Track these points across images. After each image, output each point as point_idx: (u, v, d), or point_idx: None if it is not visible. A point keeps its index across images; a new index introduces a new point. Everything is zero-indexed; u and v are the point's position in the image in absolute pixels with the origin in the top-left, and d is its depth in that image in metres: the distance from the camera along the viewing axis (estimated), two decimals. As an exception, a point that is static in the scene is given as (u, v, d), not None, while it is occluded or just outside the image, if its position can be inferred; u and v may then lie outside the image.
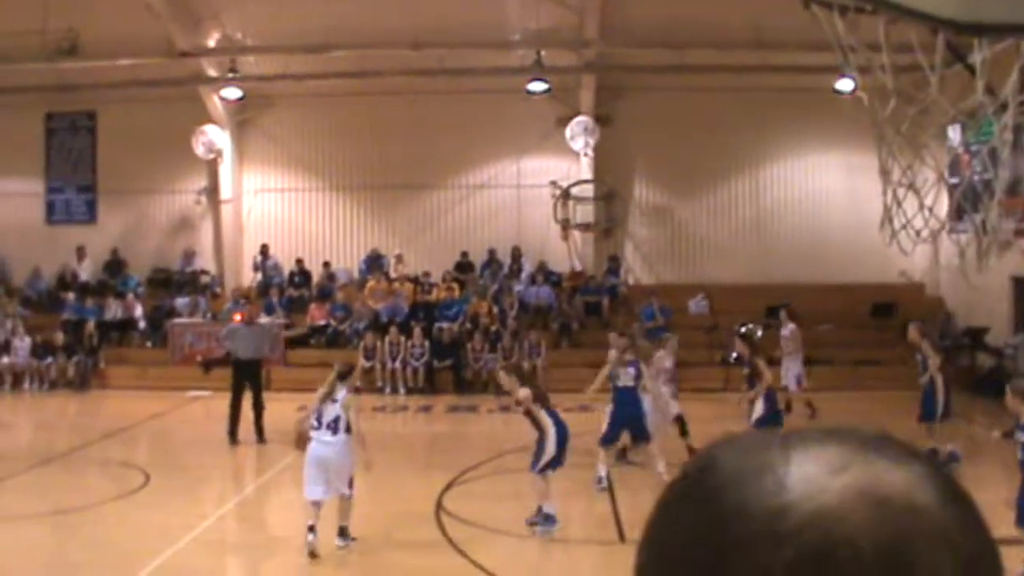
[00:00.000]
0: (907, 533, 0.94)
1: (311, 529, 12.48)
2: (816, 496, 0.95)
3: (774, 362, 21.77)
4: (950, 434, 17.57)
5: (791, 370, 22.94)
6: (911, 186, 12.20)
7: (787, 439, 1.03)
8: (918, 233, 12.75)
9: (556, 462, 13.63)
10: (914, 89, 11.72)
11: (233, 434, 20.35)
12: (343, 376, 13.35)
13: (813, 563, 0.92)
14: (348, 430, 12.95)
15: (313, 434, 12.90)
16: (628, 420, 16.54)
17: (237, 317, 29.24)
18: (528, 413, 13.72)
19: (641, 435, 16.65)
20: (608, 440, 16.73)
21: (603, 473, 16.31)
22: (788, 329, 23.75)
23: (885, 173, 12.36)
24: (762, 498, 0.96)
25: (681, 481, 1.04)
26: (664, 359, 19.01)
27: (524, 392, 13.64)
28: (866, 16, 10.65)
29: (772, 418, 16.11)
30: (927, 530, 0.95)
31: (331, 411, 12.92)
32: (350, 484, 12.90)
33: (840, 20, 11.06)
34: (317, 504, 12.65)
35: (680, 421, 18.45)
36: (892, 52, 10.82)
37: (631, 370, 16.73)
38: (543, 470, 13.60)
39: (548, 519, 13.63)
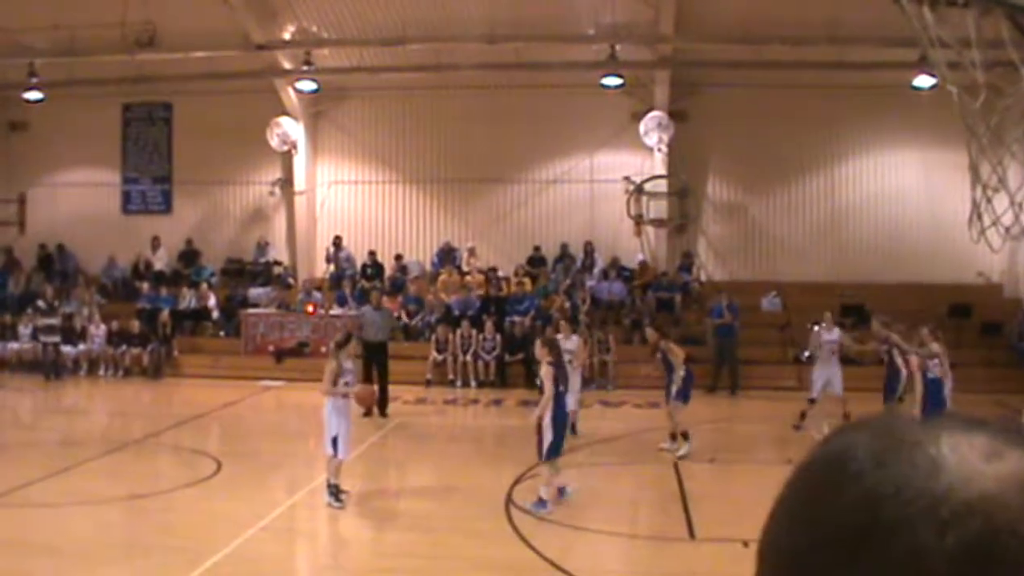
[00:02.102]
0: None
1: (339, 488, 14.33)
2: (974, 481, 0.91)
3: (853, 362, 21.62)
4: None
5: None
6: (1001, 181, 11.94)
7: (928, 422, 0.99)
8: (1007, 230, 12.48)
9: (557, 447, 14.33)
10: (1004, 83, 11.48)
11: (368, 410, 21.15)
12: (342, 345, 14.96)
13: (975, 550, 0.87)
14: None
15: (344, 401, 14.53)
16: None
17: (310, 308, 29.58)
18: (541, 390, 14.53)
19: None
20: None
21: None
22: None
23: (974, 169, 12.09)
24: (919, 480, 0.92)
25: (821, 462, 0.99)
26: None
27: (548, 368, 14.38)
28: (956, 10, 10.42)
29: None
30: None
31: (349, 377, 14.66)
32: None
33: (930, 12, 10.83)
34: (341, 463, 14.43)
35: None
36: (983, 47, 10.59)
37: None
38: (549, 456, 14.26)
39: (541, 503, 14.17)
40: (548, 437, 14.13)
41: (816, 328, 22.77)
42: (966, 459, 0.92)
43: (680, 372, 18.09)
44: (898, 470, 0.93)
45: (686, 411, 18.34)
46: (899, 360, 20.29)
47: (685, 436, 18.01)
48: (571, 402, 18.77)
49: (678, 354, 18.31)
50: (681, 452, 17.76)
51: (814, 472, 0.99)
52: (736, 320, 27.70)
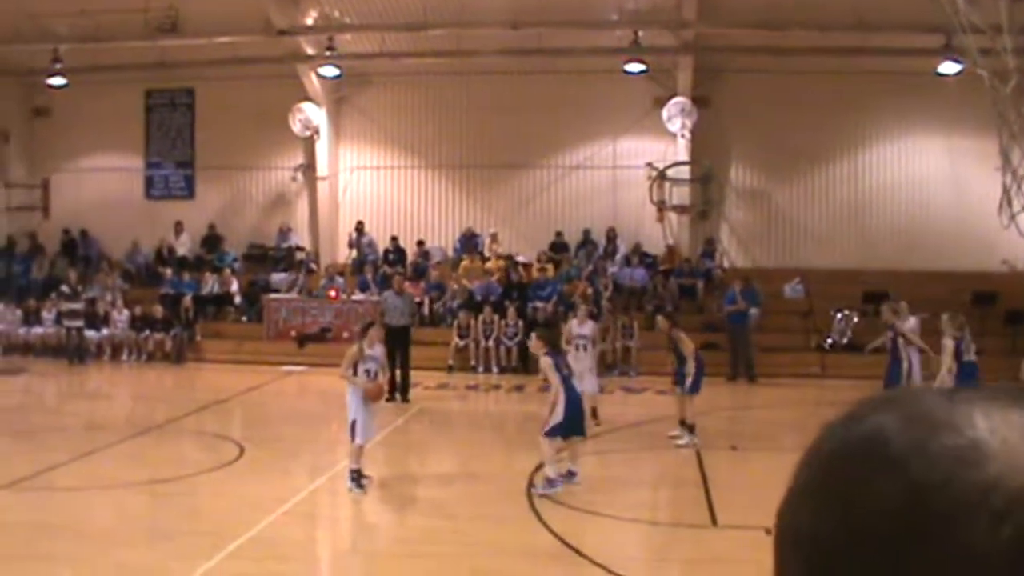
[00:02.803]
0: None
1: (361, 473, 14.37)
2: (1021, 466, 0.86)
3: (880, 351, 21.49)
4: None
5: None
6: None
7: (957, 398, 0.94)
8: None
9: (565, 428, 14.39)
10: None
11: (391, 394, 21.48)
12: (364, 331, 15.20)
13: None
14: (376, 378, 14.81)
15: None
16: None
17: (332, 293, 29.63)
18: (545, 379, 14.76)
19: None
20: None
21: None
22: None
23: (1004, 155, 12.03)
24: (966, 469, 0.87)
25: (853, 445, 0.94)
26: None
27: (545, 359, 14.49)
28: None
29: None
30: None
31: (371, 364, 14.63)
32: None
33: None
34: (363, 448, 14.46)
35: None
36: (1014, 33, 10.52)
37: None
38: (550, 434, 14.34)
39: (551, 482, 14.25)
40: (556, 418, 14.21)
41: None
42: (1008, 442, 0.88)
43: (690, 363, 17.99)
44: (941, 457, 0.88)
45: (697, 401, 18.24)
46: (903, 351, 20.21)
47: (691, 429, 17.90)
48: (589, 386, 18.86)
49: (688, 344, 18.21)
50: (682, 442, 17.68)
51: (846, 457, 0.94)
52: (751, 307, 27.61)
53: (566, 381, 14.47)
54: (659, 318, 20.19)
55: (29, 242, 35.12)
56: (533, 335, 15.78)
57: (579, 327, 20.50)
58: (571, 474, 14.73)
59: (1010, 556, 0.83)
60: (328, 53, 30.49)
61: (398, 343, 23.04)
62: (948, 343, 17.95)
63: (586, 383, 18.65)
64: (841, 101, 30.82)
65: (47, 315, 30.71)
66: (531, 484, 14.75)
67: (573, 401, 14.43)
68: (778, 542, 0.98)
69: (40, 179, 35.31)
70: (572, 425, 14.49)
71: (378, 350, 14.99)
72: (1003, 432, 0.89)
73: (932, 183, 31.46)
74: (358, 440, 14.29)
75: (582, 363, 19.99)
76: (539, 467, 15.23)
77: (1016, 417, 0.90)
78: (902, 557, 0.86)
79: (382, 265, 32.13)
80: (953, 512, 0.85)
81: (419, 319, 29.17)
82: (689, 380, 17.91)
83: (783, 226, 32.46)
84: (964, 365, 17.82)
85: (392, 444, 18.52)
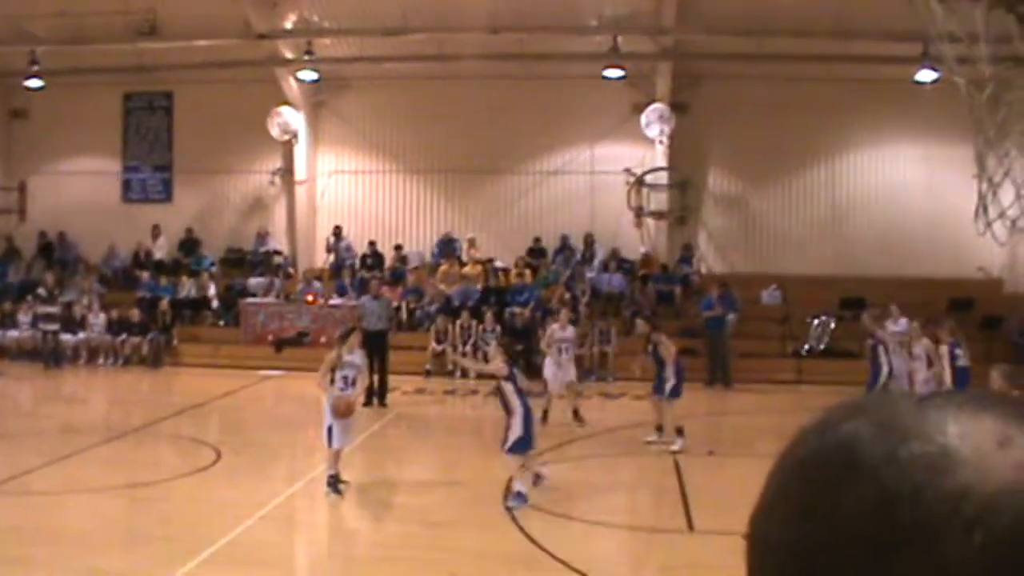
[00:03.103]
0: None
1: (339, 478, 14.39)
2: (992, 474, 0.86)
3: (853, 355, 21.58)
4: None
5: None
6: (1007, 174, 11.94)
7: (929, 404, 0.94)
8: (1013, 223, 12.50)
9: (525, 443, 14.18)
10: (1013, 76, 11.48)
11: (368, 399, 21.41)
12: (343, 337, 15.13)
13: (1005, 548, 0.83)
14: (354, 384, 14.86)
15: (341, 393, 14.57)
16: None
17: (309, 298, 29.60)
18: (499, 390, 14.46)
19: None
20: None
21: None
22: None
23: (980, 162, 12.10)
24: (936, 478, 0.87)
25: (827, 452, 0.93)
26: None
27: (499, 366, 14.45)
28: (965, 3, 10.41)
29: None
30: None
31: (349, 371, 14.63)
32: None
33: (939, 5, 10.82)
34: (339, 453, 14.48)
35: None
36: (991, 41, 10.59)
37: None
38: (514, 450, 14.12)
39: (518, 496, 13.98)
40: (516, 432, 14.05)
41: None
42: (979, 448, 0.87)
43: (670, 368, 18.03)
44: (912, 466, 0.88)
45: (678, 406, 18.27)
46: (882, 357, 20.38)
47: (680, 431, 17.91)
48: (558, 388, 19.14)
49: (669, 348, 18.26)
50: (675, 447, 17.68)
51: (818, 465, 0.93)
52: (729, 312, 27.68)
53: (522, 395, 14.37)
54: (639, 321, 20.29)
55: (5, 245, 34.95)
56: (493, 343, 15.87)
57: (561, 331, 20.69)
58: (539, 477, 14.72)
59: (983, 564, 0.83)
60: (307, 57, 30.47)
61: (375, 348, 22.89)
62: (943, 349, 18.18)
63: (568, 377, 19.30)
64: (819, 108, 30.91)
65: (23, 318, 30.55)
66: (508, 488, 14.75)
67: (529, 415, 14.38)
68: (750, 549, 0.97)
69: (17, 182, 35.16)
70: (531, 438, 14.40)
71: (358, 356, 14.97)
72: (973, 438, 0.88)
73: (909, 190, 31.57)
74: (335, 445, 14.31)
75: (564, 366, 20.15)
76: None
77: (987, 423, 0.90)
78: (875, 567, 0.86)
79: (360, 269, 32.09)
80: (925, 521, 0.85)
81: (397, 324, 29.16)
82: (669, 385, 17.94)
83: (761, 232, 32.54)
84: (958, 371, 18.01)
85: (369, 449, 18.50)
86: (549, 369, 21.01)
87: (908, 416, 0.92)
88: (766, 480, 0.98)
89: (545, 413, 19.80)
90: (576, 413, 20.24)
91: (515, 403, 14.17)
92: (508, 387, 14.29)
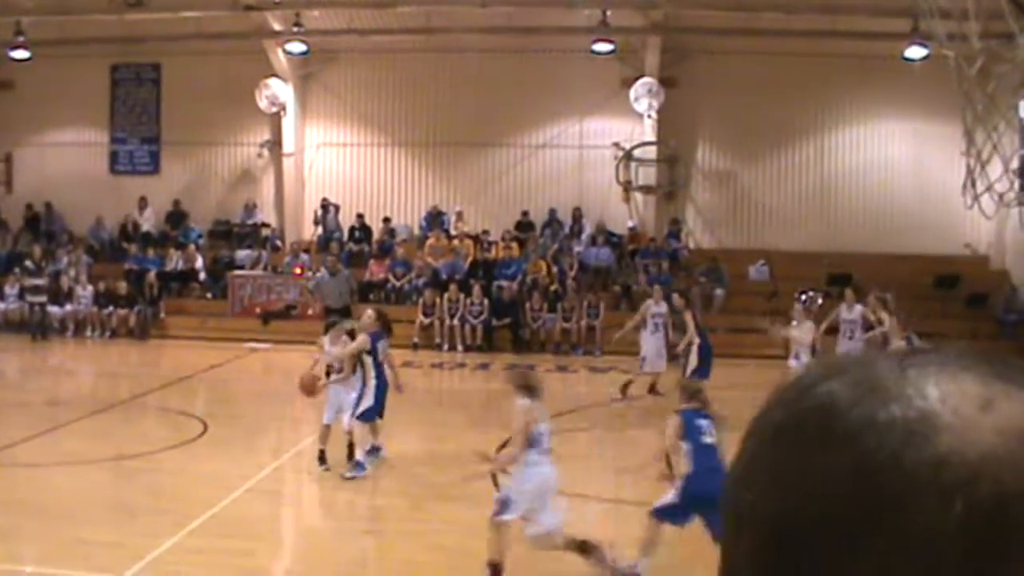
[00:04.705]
0: None
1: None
2: (974, 440, 0.83)
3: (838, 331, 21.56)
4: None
5: None
6: (995, 148, 11.95)
7: (909, 365, 0.90)
8: (1001, 197, 12.51)
9: (373, 412, 14.28)
10: (1002, 50, 11.48)
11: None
12: (325, 330, 15.41)
13: (986, 518, 0.81)
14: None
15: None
16: None
17: (297, 270, 29.53)
18: (360, 362, 14.42)
19: None
20: None
21: None
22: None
23: (969, 136, 12.11)
24: (915, 444, 0.84)
25: (805, 416, 0.90)
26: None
27: (362, 338, 14.40)
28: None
29: None
30: None
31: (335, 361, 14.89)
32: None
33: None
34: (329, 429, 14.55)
35: None
36: (981, 17, 10.59)
37: None
38: (363, 418, 14.17)
39: (359, 465, 14.05)
40: (368, 402, 14.11)
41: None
42: (959, 412, 0.85)
43: (693, 348, 18.16)
44: (891, 431, 0.85)
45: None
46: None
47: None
48: (659, 366, 20.19)
49: (692, 326, 18.49)
50: None
51: (794, 430, 0.91)
52: (717, 288, 27.75)
53: (378, 367, 14.38)
54: (675, 296, 20.37)
55: (-9, 217, 34.84)
56: (369, 311, 15.47)
57: (656, 306, 20.78)
58: (377, 449, 14.71)
59: (964, 533, 0.80)
60: (295, 29, 30.32)
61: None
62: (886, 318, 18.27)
63: (656, 364, 19.34)
64: (808, 84, 30.90)
65: (10, 291, 30.47)
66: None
67: (382, 386, 14.37)
68: (725, 517, 0.94)
69: (3, 153, 34.99)
70: (381, 408, 14.43)
71: (338, 349, 14.80)
72: (954, 402, 0.86)
73: (897, 167, 31.61)
74: (325, 419, 14.40)
75: (657, 341, 20.29)
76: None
77: (968, 385, 0.87)
78: (853, 536, 0.84)
79: (348, 242, 32.06)
80: (904, 490, 0.83)
81: (385, 297, 29.18)
82: (692, 367, 18.09)
83: (749, 207, 32.56)
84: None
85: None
86: (650, 345, 20.97)
87: (887, 377, 0.89)
88: (740, 445, 0.95)
89: (626, 386, 20.29)
90: (652, 387, 20.41)
91: (371, 373, 14.24)
92: (368, 359, 14.33)
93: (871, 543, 0.83)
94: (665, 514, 10.28)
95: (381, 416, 14.61)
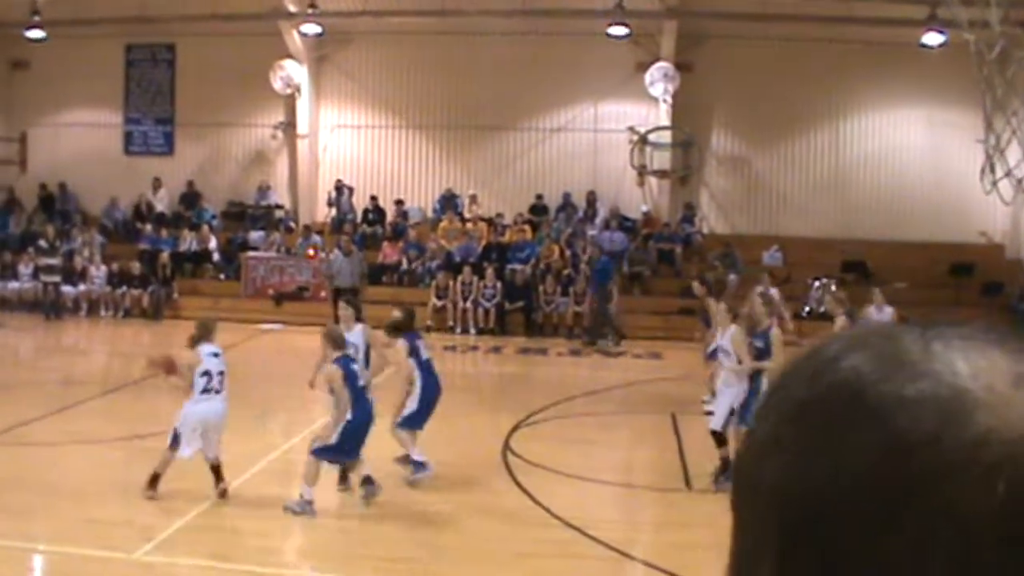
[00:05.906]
0: None
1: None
2: (1010, 418, 0.80)
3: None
4: None
5: None
6: (1014, 134, 11.89)
7: (932, 338, 0.87)
8: (1020, 182, 12.45)
9: (417, 419, 13.36)
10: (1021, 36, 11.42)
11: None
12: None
13: None
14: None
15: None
16: None
17: (310, 251, 29.54)
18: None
19: None
20: None
21: None
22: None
23: (988, 121, 12.05)
24: (952, 421, 0.81)
25: (832, 391, 0.87)
26: None
27: (402, 343, 13.46)
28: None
29: None
30: None
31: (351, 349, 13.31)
32: None
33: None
34: None
35: None
36: (1001, 4, 10.53)
37: None
38: (403, 424, 13.30)
39: (419, 465, 13.17)
40: (412, 407, 13.32)
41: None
42: (994, 390, 0.82)
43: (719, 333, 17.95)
44: (924, 409, 0.82)
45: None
46: None
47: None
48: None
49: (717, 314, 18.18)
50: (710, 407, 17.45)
51: (819, 405, 0.87)
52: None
53: (425, 368, 13.61)
54: (695, 283, 19.94)
55: (6, 196, 34.86)
56: (395, 313, 14.33)
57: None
58: (411, 460, 13.54)
59: (1005, 514, 0.78)
60: (311, 11, 30.30)
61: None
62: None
63: None
64: (824, 70, 30.77)
65: (24, 270, 30.52)
66: (507, 445, 14.78)
67: (430, 388, 13.54)
68: (738, 495, 0.91)
69: (18, 133, 35.06)
70: (426, 415, 13.49)
71: (356, 335, 13.80)
72: (986, 378, 0.83)
73: (912, 154, 31.48)
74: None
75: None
76: (516, 428, 15.27)
77: (999, 360, 0.85)
78: (882, 516, 0.82)
79: (361, 224, 32.06)
80: (940, 470, 0.80)
81: (398, 279, 29.21)
82: (710, 349, 17.87)
83: (763, 193, 32.47)
84: None
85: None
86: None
87: (913, 351, 0.87)
88: (755, 421, 0.92)
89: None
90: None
91: (408, 365, 13.44)
92: (402, 345, 13.50)
93: (905, 520, 0.81)
94: None
95: (421, 427, 13.52)
